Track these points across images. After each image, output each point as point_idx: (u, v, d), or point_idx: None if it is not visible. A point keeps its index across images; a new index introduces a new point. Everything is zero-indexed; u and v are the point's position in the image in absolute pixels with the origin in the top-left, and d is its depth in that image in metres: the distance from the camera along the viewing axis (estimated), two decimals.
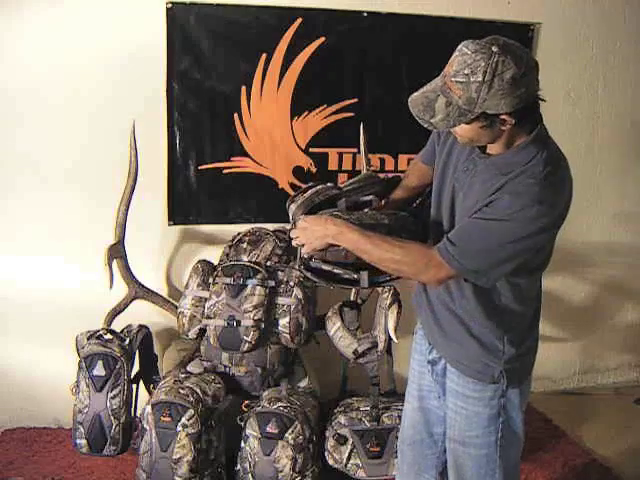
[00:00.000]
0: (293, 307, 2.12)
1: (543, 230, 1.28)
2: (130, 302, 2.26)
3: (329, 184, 1.64)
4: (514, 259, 1.31)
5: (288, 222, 2.51)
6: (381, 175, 2.55)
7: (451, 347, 1.51)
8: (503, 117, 1.22)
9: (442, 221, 1.47)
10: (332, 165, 2.53)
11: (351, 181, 1.68)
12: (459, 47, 1.23)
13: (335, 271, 1.46)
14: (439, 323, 1.52)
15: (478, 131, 1.26)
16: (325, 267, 1.47)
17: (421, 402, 1.65)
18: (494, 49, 1.17)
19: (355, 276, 1.46)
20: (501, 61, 1.16)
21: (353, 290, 2.29)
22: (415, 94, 1.27)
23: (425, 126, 1.27)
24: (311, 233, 1.45)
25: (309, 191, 1.61)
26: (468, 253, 1.30)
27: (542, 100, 1.28)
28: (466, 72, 1.18)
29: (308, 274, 1.50)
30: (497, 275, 1.34)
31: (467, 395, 1.49)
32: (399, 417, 2.04)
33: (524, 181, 1.26)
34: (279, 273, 2.18)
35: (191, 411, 1.90)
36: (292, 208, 1.59)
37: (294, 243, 1.51)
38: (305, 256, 1.48)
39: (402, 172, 2.59)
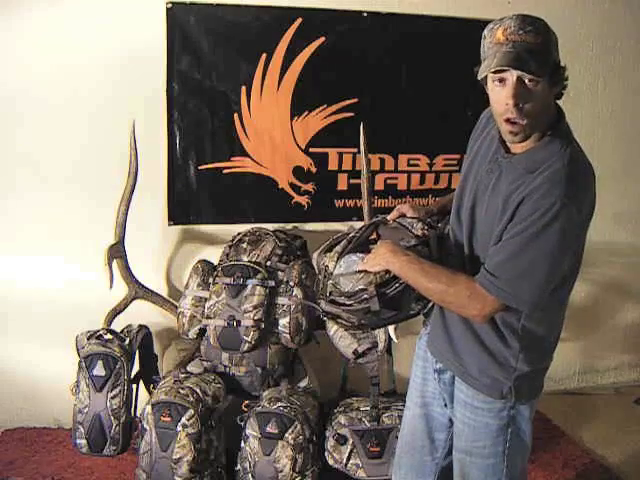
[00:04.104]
0: (293, 307, 2.12)
1: (573, 228, 1.24)
2: (130, 302, 2.27)
3: (345, 231, 1.65)
4: (556, 269, 1.27)
5: (288, 222, 2.57)
6: (381, 176, 2.61)
7: (458, 358, 1.45)
8: (563, 67, 1.27)
9: (461, 225, 1.44)
10: (332, 165, 2.53)
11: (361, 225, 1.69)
12: (494, 24, 1.27)
13: (347, 302, 1.44)
14: (449, 332, 1.47)
15: (549, 93, 1.25)
16: (340, 300, 1.45)
17: (423, 409, 1.61)
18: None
19: (367, 305, 1.42)
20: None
21: None
22: (494, 60, 1.21)
23: (529, 76, 1.20)
24: (373, 257, 1.43)
25: (327, 241, 1.63)
26: (510, 280, 1.26)
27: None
28: (528, 23, 1.25)
29: (325, 306, 1.48)
30: (543, 293, 1.28)
31: (476, 406, 1.44)
32: (399, 417, 2.04)
33: (547, 179, 1.22)
34: (279, 273, 2.18)
35: (191, 411, 1.90)
36: (314, 256, 1.61)
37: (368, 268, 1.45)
38: (321, 303, 1.49)
39: (402, 172, 2.63)
